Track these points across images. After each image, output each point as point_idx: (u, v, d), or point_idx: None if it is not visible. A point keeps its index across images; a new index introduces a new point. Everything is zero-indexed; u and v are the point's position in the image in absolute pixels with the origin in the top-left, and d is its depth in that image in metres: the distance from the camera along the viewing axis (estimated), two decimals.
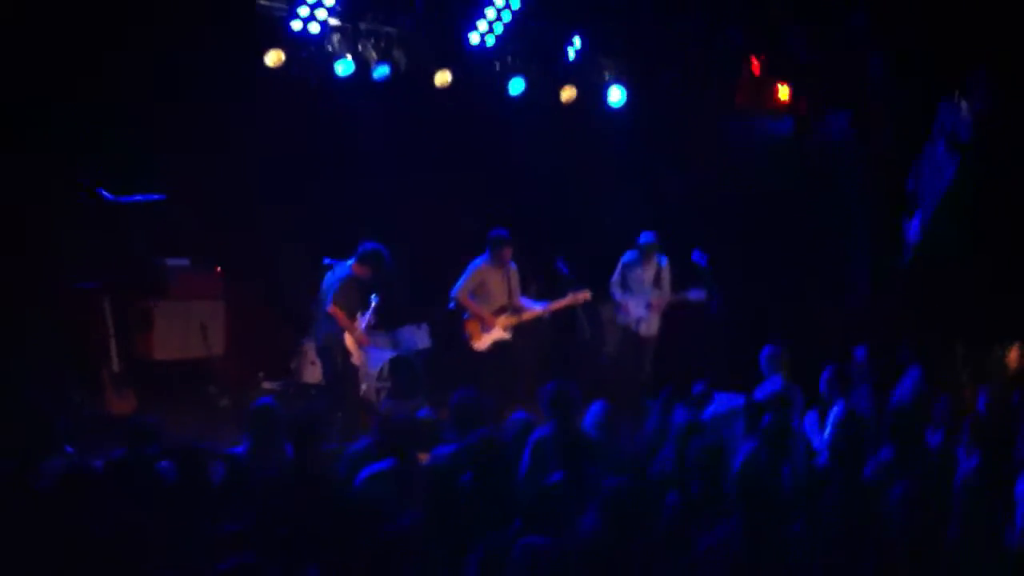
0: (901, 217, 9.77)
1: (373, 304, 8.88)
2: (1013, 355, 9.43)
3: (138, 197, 9.32)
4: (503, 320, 9.34)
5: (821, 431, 7.40)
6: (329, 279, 8.72)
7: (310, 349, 9.67)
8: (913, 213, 9.88)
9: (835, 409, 7.05)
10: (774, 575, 4.78)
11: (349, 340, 8.64)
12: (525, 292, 9.68)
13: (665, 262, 9.90)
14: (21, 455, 5.52)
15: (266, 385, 9.95)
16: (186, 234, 9.66)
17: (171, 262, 9.67)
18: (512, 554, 4.43)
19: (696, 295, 9.84)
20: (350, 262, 8.63)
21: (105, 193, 9.16)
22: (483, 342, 9.31)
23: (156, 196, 9.38)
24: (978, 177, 10.36)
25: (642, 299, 9.83)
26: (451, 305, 9.36)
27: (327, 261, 9.48)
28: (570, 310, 9.65)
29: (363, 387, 9.11)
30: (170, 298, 9.51)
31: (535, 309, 9.47)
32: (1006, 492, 5.77)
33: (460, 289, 9.26)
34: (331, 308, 8.53)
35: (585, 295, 9.52)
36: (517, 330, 9.42)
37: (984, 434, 6.18)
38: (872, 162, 10.88)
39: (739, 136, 11.33)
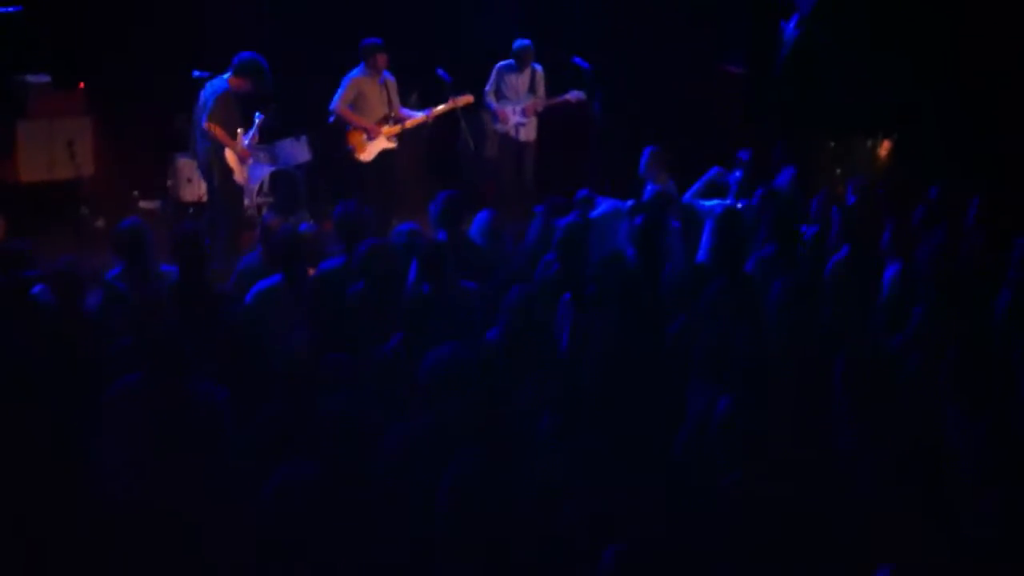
0: (778, 16, 9.78)
1: (257, 121, 8.63)
2: (883, 149, 9.72)
3: None
4: (387, 129, 9.21)
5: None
6: (204, 94, 8.41)
7: (186, 166, 9.41)
8: (792, 12, 9.88)
9: (716, 209, 7.22)
10: (655, 370, 4.96)
11: (230, 156, 8.42)
12: (405, 102, 9.53)
13: (540, 68, 9.83)
14: None
15: (142, 204, 9.69)
16: (45, 48, 9.17)
17: (30, 78, 9.21)
18: (421, 363, 4.49)
19: (574, 95, 9.84)
20: (226, 75, 8.33)
21: None
22: (368, 152, 9.20)
23: (11, 8, 8.84)
24: None
25: (518, 105, 9.81)
26: (331, 119, 9.19)
27: (196, 74, 9.14)
28: (453, 118, 9.57)
29: (244, 202, 8.96)
30: (32, 117, 9.09)
31: (417, 116, 9.36)
32: (874, 279, 6.06)
33: (338, 101, 9.07)
34: (207, 124, 8.27)
35: (467, 99, 9.45)
36: (400, 138, 9.32)
37: (852, 226, 6.41)
38: None
39: None
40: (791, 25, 9.68)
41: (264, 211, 9.00)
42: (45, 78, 9.26)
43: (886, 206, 7.09)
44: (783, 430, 4.31)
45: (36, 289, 5.69)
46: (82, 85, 9.43)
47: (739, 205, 7.46)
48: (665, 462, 4.39)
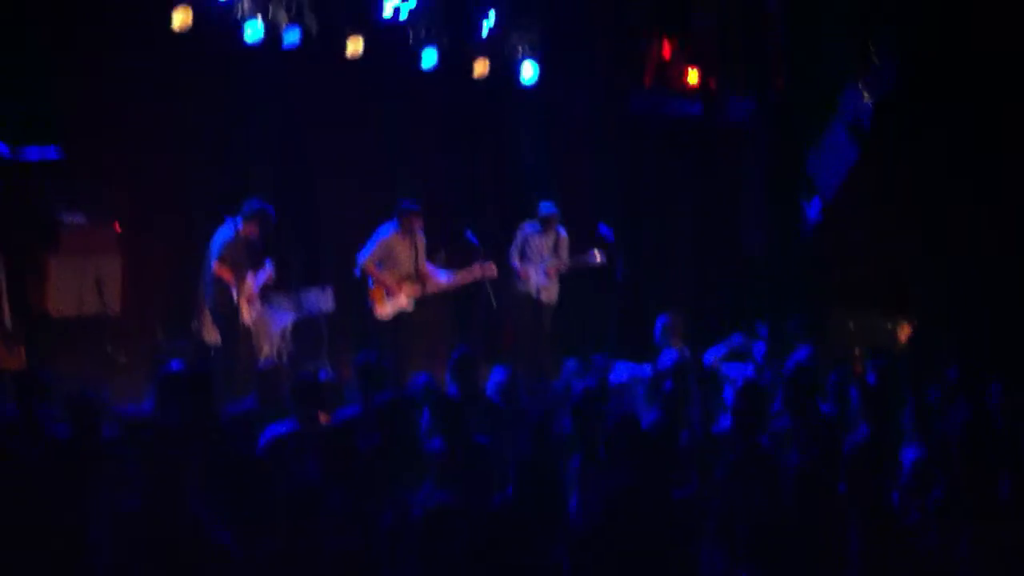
0: (799, 197, 10.02)
1: (268, 267, 8.83)
2: (902, 330, 9.78)
3: (34, 151, 9.05)
4: (408, 288, 9.34)
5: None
6: (215, 239, 8.68)
7: (207, 308, 9.54)
8: (812, 196, 10.12)
9: (724, 376, 7.25)
10: (668, 533, 4.88)
11: (240, 301, 8.60)
12: (432, 260, 9.68)
13: (564, 232, 10.03)
14: None
15: (165, 344, 9.77)
16: (83, 189, 9.41)
17: (66, 216, 9.43)
18: (421, 516, 4.45)
19: (596, 257, 9.99)
20: (236, 221, 8.60)
21: (2, 149, 8.89)
22: (387, 310, 9.31)
23: (52, 150, 9.12)
24: (877, 163, 10.64)
25: (541, 267, 9.96)
26: (357, 271, 9.35)
27: (228, 219, 9.37)
28: (476, 282, 9.70)
29: (265, 348, 9.04)
30: (65, 253, 9.26)
31: (440, 279, 9.48)
32: (892, 459, 5.99)
33: (367, 257, 9.26)
34: (214, 267, 8.53)
35: (491, 271, 9.54)
36: (420, 301, 9.43)
37: (873, 405, 6.39)
38: (774, 144, 11.11)
39: (648, 114, 11.47)
40: (813, 210, 9.88)
41: (285, 357, 9.09)
42: (79, 216, 9.48)
43: (905, 385, 7.09)
44: None
45: (48, 417, 5.71)
46: (117, 224, 9.64)
47: (761, 377, 7.48)
48: None
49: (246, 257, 8.66)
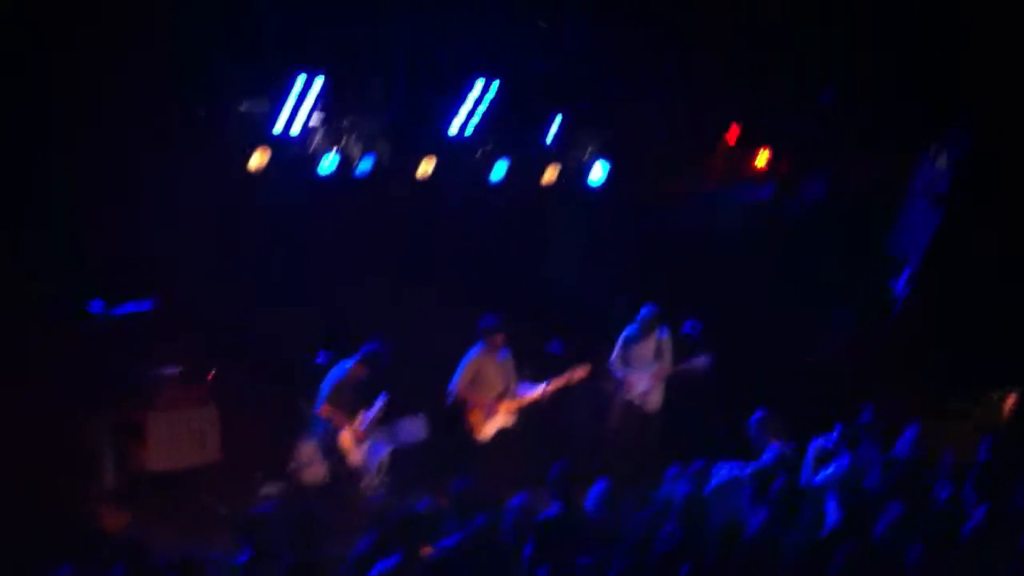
0: (883, 274, 9.81)
1: (381, 402, 8.91)
2: (1008, 403, 9.40)
3: (126, 308, 9.29)
4: (505, 405, 9.32)
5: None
6: (327, 379, 8.77)
7: (308, 449, 9.59)
8: (900, 271, 9.92)
9: (833, 467, 7.02)
10: None
11: (345, 439, 8.67)
12: (519, 375, 9.64)
13: (666, 334, 9.89)
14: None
15: (264, 489, 9.81)
16: (175, 342, 9.60)
17: (161, 371, 9.61)
18: None
19: (702, 361, 9.81)
20: (350, 362, 8.69)
21: (94, 307, 9.14)
22: (487, 430, 9.29)
23: (144, 306, 9.35)
24: (961, 227, 10.42)
25: (645, 373, 9.79)
26: (449, 400, 9.34)
27: (320, 359, 9.49)
28: (569, 390, 9.61)
29: (365, 484, 9.04)
30: (162, 408, 9.42)
31: (534, 392, 9.43)
32: (1014, 541, 5.71)
33: (458, 382, 9.26)
34: (320, 409, 8.62)
35: (582, 372, 9.50)
36: (518, 415, 9.38)
37: (989, 485, 6.12)
38: (852, 224, 10.95)
39: (720, 203, 11.42)
40: (901, 283, 9.67)
41: (382, 490, 9.06)
42: (174, 370, 9.65)
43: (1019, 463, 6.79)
44: None
45: None
46: (211, 375, 9.79)
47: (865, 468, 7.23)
48: None
49: (356, 397, 8.76)
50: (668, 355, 9.86)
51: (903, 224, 10.57)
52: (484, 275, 10.88)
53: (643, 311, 9.84)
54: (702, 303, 10.53)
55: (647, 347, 9.85)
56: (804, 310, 10.52)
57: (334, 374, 8.81)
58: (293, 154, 9.57)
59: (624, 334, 9.93)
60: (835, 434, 7.82)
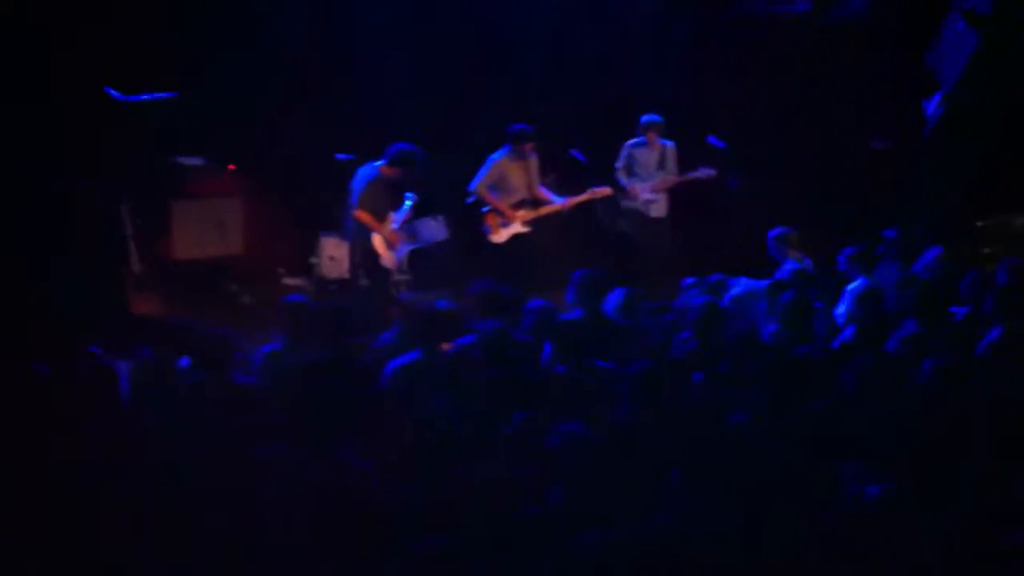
0: (920, 95, 9.63)
1: (409, 203, 8.90)
2: None
3: (148, 95, 9.21)
4: (522, 214, 9.34)
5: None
6: (355, 180, 8.72)
7: (329, 244, 9.69)
8: (933, 91, 9.73)
9: (854, 285, 7.07)
10: (800, 451, 4.82)
11: (377, 241, 8.70)
12: (544, 183, 9.62)
13: (671, 144, 9.82)
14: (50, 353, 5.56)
15: (287, 281, 9.97)
16: (199, 132, 9.56)
17: (185, 160, 9.62)
18: (548, 440, 4.48)
19: (704, 172, 9.79)
20: (379, 162, 8.63)
21: (114, 93, 9.05)
22: (502, 235, 9.34)
23: (167, 94, 9.27)
24: (998, 51, 10.16)
25: (648, 182, 9.80)
26: (469, 199, 9.35)
27: (340, 157, 9.44)
28: (590, 204, 9.61)
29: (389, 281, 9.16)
30: (186, 197, 9.48)
31: (554, 203, 9.43)
32: None
33: (479, 183, 9.25)
34: (356, 211, 8.59)
35: (605, 191, 9.50)
36: (535, 223, 9.41)
37: (1006, 305, 6.17)
38: (890, 40, 10.68)
39: (756, 16, 11.11)
40: (933, 103, 9.49)
41: (403, 288, 9.18)
42: (198, 160, 9.65)
43: None
44: (941, 521, 4.10)
45: (184, 362, 5.86)
46: (232, 167, 9.79)
47: (884, 282, 7.28)
48: (810, 545, 4.23)
49: (387, 198, 8.73)
50: (672, 165, 9.82)
51: (941, 43, 10.31)
52: (513, 79, 10.71)
53: (644, 118, 9.74)
54: (734, 114, 10.40)
55: (650, 156, 9.82)
56: (836, 126, 10.38)
57: (364, 175, 8.71)
58: None
59: (628, 143, 9.88)
60: (856, 250, 7.84)
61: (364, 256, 8.74)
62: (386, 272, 8.90)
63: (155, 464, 4.54)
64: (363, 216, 8.60)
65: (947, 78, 10.19)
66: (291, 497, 4.39)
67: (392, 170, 8.59)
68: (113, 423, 4.94)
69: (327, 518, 4.18)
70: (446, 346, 6.34)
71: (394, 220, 8.81)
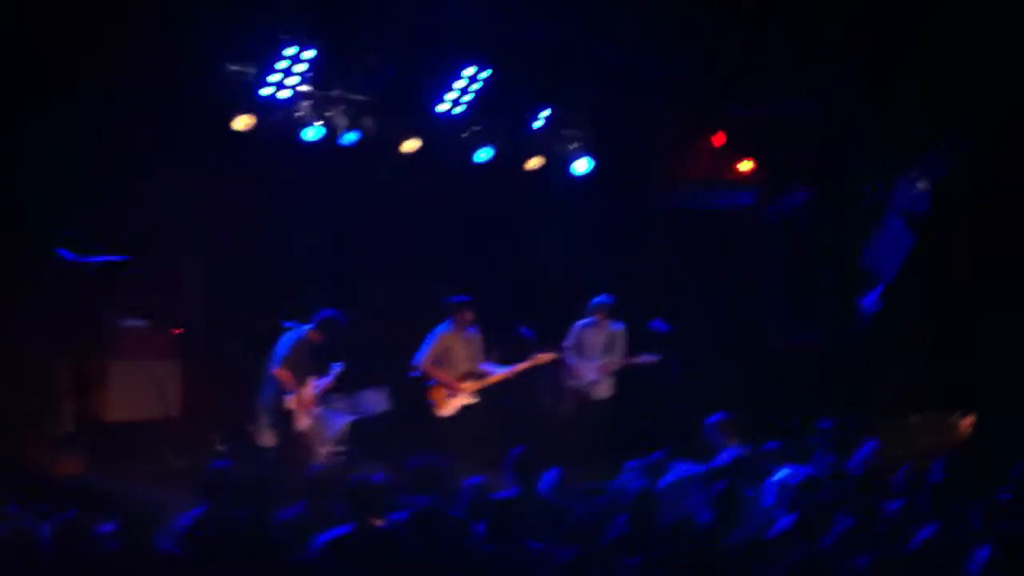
0: (855, 290, 9.90)
1: (335, 370, 8.92)
2: (965, 424, 9.50)
3: (100, 258, 9.25)
4: (468, 385, 9.35)
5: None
6: (281, 341, 8.76)
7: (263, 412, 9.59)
8: (872, 286, 9.99)
9: (782, 475, 7.08)
10: None
11: (293, 403, 8.68)
12: (487, 357, 9.67)
13: (620, 327, 9.95)
14: None
15: (221, 448, 9.80)
16: (144, 295, 9.57)
17: (127, 322, 9.58)
18: None
19: (647, 359, 9.91)
20: (306, 327, 8.70)
21: (65, 253, 9.09)
22: (449, 408, 9.32)
23: (119, 257, 9.32)
24: (935, 250, 10.51)
25: (594, 363, 9.88)
26: (415, 374, 9.36)
27: (288, 325, 9.46)
28: (530, 374, 9.66)
29: (321, 451, 9.04)
30: (125, 358, 9.40)
31: (499, 373, 9.48)
32: (961, 562, 5.76)
33: (424, 357, 9.29)
34: (276, 370, 8.62)
35: (549, 356, 9.58)
36: (481, 394, 9.41)
37: (940, 504, 6.18)
38: (828, 234, 11.04)
39: (702, 205, 11.49)
40: (871, 298, 9.74)
41: (340, 460, 9.07)
42: (141, 322, 9.61)
43: (974, 483, 6.85)
44: None
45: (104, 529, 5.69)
46: (177, 330, 9.76)
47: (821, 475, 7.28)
48: None
49: (309, 362, 8.77)
50: (620, 348, 9.94)
51: (879, 241, 10.66)
52: (461, 254, 10.90)
53: (595, 299, 9.90)
54: (673, 300, 10.60)
55: (599, 337, 9.94)
56: (773, 316, 10.60)
57: (290, 337, 8.81)
58: (279, 119, 9.54)
59: (578, 323, 10.00)
60: (791, 441, 7.89)
61: (278, 418, 8.69)
62: (306, 437, 8.83)
63: None
64: (284, 376, 8.62)
65: (886, 275, 10.48)
66: None
67: (318, 335, 8.66)
68: None
69: None
70: (378, 521, 6.23)
71: (315, 386, 8.81)
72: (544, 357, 9.58)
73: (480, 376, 9.44)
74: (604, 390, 9.98)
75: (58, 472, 8.39)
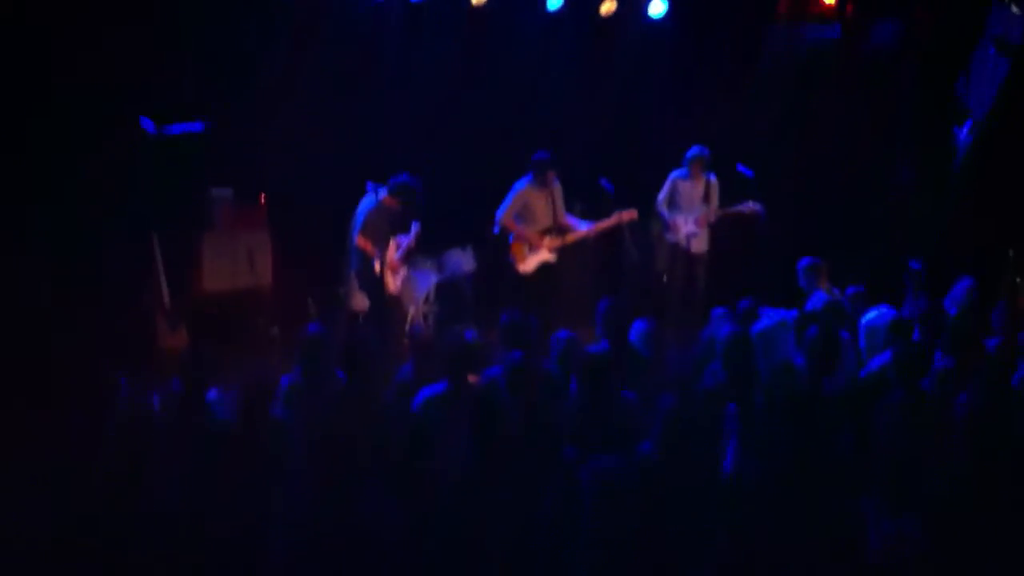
0: (950, 123, 9.55)
1: (414, 231, 8.98)
2: None
3: (179, 127, 9.28)
4: (548, 241, 9.31)
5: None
6: (359, 209, 8.82)
7: (353, 277, 9.70)
8: (964, 119, 9.65)
9: (870, 316, 6.99)
10: (823, 487, 4.75)
11: (379, 268, 8.79)
12: (570, 211, 9.60)
13: (714, 177, 9.77)
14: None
15: (316, 313, 9.98)
16: (229, 163, 9.62)
17: (215, 192, 9.67)
18: (582, 476, 4.44)
19: (749, 206, 9.68)
20: (381, 192, 8.72)
21: (147, 124, 9.13)
22: (528, 264, 9.30)
23: (197, 125, 9.34)
24: None
25: (691, 215, 9.73)
26: (495, 230, 9.35)
27: (370, 186, 9.48)
28: (617, 230, 9.56)
29: (411, 311, 9.17)
30: (216, 229, 9.52)
31: (580, 229, 9.41)
32: None
33: (504, 213, 9.23)
34: (357, 240, 8.71)
35: (631, 214, 9.42)
36: (562, 252, 9.39)
37: None
38: (921, 68, 10.63)
39: (784, 43, 11.08)
40: (964, 131, 9.41)
41: (430, 319, 9.19)
42: (228, 191, 9.70)
43: None
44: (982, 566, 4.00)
45: (212, 395, 5.85)
46: (263, 198, 9.84)
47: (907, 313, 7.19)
48: None
49: (389, 227, 8.83)
50: (715, 199, 9.76)
51: (972, 71, 10.26)
52: (538, 107, 10.73)
53: (691, 151, 9.70)
54: (762, 145, 10.35)
55: (695, 189, 9.75)
56: (867, 155, 10.31)
57: (366, 205, 8.85)
58: None
59: (672, 175, 9.83)
60: (882, 283, 7.77)
61: (368, 283, 8.79)
62: (394, 300, 8.95)
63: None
64: (365, 244, 8.71)
65: (978, 105, 10.12)
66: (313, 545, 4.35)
67: (393, 201, 8.72)
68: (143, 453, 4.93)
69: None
70: (473, 378, 6.32)
71: (397, 248, 8.88)
72: (626, 215, 9.44)
73: (562, 231, 9.38)
74: (701, 243, 9.83)
75: (159, 344, 8.63)
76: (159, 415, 5.53)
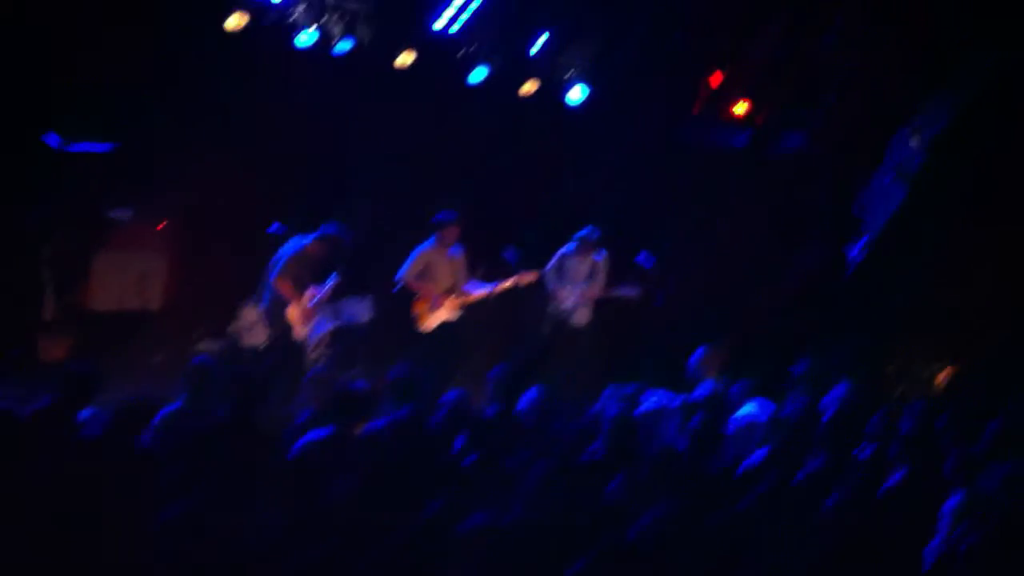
0: (845, 236, 9.96)
1: (331, 282, 8.91)
2: (942, 376, 9.64)
3: (86, 146, 9.15)
4: (450, 301, 9.38)
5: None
6: (283, 250, 8.74)
7: (251, 313, 9.58)
8: (858, 236, 10.07)
9: (750, 411, 7.18)
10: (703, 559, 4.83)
11: (292, 312, 8.68)
12: (471, 276, 9.69)
13: (602, 257, 9.99)
14: None
15: (202, 345, 9.81)
16: (134, 186, 9.49)
17: (114, 212, 9.51)
18: (456, 533, 4.44)
19: (628, 291, 9.96)
20: (308, 238, 8.67)
21: (53, 141, 8.99)
22: (430, 322, 9.36)
23: (105, 146, 9.22)
24: (922, 207, 10.57)
25: (575, 290, 9.94)
26: (396, 288, 9.38)
27: (273, 229, 9.43)
28: (513, 294, 9.69)
29: (309, 357, 9.08)
30: (110, 248, 9.36)
31: (481, 291, 9.52)
32: (930, 509, 5.87)
33: (405, 273, 9.29)
34: (275, 280, 8.60)
35: (531, 276, 9.62)
36: (463, 310, 9.45)
37: (911, 451, 6.28)
38: (822, 182, 11.07)
39: (695, 143, 11.46)
40: (857, 248, 9.81)
41: (320, 364, 9.10)
42: (127, 213, 9.56)
43: (950, 433, 6.95)
44: None
45: (85, 414, 5.71)
46: (163, 223, 9.72)
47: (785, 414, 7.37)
48: None
49: (309, 274, 8.76)
50: (601, 277, 10.00)
51: (869, 193, 10.71)
52: (452, 173, 10.84)
53: (584, 231, 9.93)
54: (663, 234, 10.62)
55: (582, 265, 9.98)
56: (760, 256, 10.64)
57: (291, 247, 8.77)
58: (272, 20, 9.43)
59: (562, 250, 10.03)
60: (766, 379, 7.97)
61: (277, 327, 8.69)
62: (298, 345, 8.85)
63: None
64: (283, 286, 8.60)
65: (872, 226, 10.55)
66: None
67: (319, 247, 8.64)
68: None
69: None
70: (358, 427, 6.28)
71: (313, 297, 8.80)
72: (526, 277, 9.63)
73: (462, 294, 9.46)
74: (583, 317, 10.04)
75: (40, 358, 8.40)
76: (25, 425, 5.36)
